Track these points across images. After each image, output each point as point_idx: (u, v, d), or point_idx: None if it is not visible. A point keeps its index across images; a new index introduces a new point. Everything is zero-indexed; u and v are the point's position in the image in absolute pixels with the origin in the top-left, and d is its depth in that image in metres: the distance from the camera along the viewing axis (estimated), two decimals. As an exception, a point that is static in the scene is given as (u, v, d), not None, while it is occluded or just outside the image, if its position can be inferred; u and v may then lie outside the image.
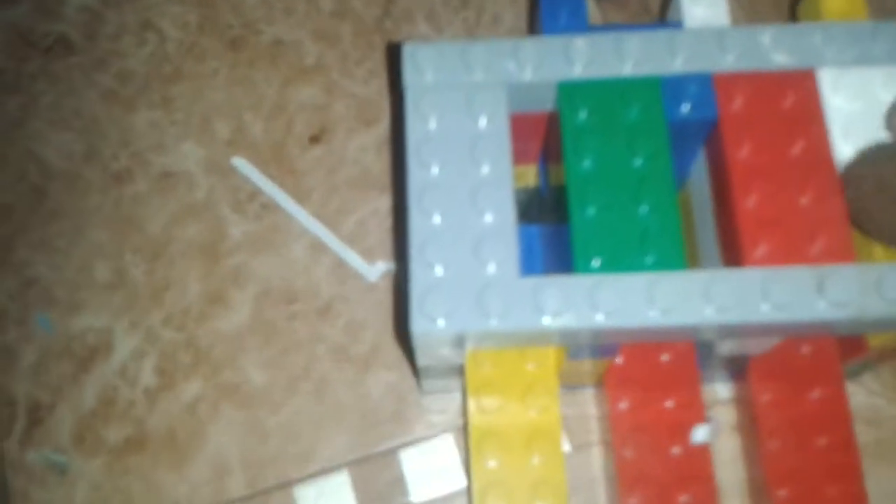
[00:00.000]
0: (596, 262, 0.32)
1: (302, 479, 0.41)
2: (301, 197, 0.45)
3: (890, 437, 0.41)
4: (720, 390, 0.42)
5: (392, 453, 0.41)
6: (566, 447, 0.41)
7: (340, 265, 0.44)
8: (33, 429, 0.42)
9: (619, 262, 0.32)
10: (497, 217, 0.33)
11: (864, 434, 0.41)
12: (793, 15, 0.46)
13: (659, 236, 0.33)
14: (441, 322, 0.31)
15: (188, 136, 0.47)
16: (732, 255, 0.33)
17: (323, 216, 0.45)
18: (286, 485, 0.40)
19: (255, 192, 0.45)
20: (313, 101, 0.47)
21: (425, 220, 0.33)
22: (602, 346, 0.35)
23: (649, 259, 0.32)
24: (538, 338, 0.33)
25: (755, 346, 0.35)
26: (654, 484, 0.36)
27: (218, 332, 0.43)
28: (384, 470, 0.41)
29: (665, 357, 0.37)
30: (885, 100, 0.34)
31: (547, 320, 0.31)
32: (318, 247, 0.44)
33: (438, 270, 0.32)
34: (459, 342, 0.33)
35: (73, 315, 0.44)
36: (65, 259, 0.45)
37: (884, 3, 0.49)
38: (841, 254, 0.32)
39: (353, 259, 0.44)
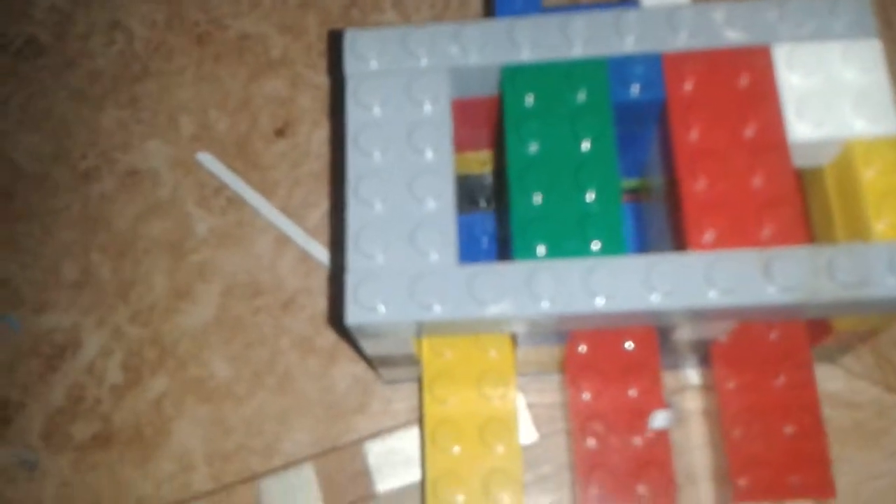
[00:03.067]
0: (536, 249, 0.32)
1: (266, 473, 0.40)
2: (266, 191, 0.45)
3: (870, 420, 0.40)
4: (691, 376, 0.41)
5: (357, 445, 0.41)
6: (534, 435, 0.41)
7: (305, 258, 0.44)
8: (2, 427, 0.42)
9: (558, 248, 0.31)
10: (436, 204, 0.32)
11: (843, 417, 0.40)
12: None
13: (600, 221, 0.32)
14: (375, 313, 0.31)
15: (154, 133, 0.47)
16: (680, 240, 0.32)
17: (288, 209, 0.45)
18: (250, 479, 0.40)
19: (221, 187, 0.45)
20: (278, 95, 0.47)
21: (362, 209, 0.32)
22: (552, 333, 0.34)
23: (591, 245, 0.31)
24: (479, 326, 0.32)
25: (710, 331, 0.34)
26: (611, 471, 0.35)
27: (183, 328, 0.43)
28: (349, 462, 0.40)
29: (626, 343, 0.36)
30: (845, 75, 0.33)
31: (483, 309, 0.31)
32: (283, 240, 0.44)
33: (374, 260, 0.31)
34: (399, 332, 0.32)
35: (41, 314, 0.44)
36: (33, 259, 0.45)
37: None
38: (791, 236, 0.31)
39: (318, 251, 0.44)
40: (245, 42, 0.48)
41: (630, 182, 0.40)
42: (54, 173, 0.46)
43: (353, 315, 0.31)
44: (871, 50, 0.33)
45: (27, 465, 0.41)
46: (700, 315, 0.31)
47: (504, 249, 0.34)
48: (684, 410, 0.40)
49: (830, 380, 0.40)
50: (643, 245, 0.41)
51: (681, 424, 0.40)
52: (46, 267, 0.45)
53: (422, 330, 0.33)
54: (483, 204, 0.42)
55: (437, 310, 0.31)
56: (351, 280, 0.31)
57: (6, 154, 0.47)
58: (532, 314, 0.31)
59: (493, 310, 0.31)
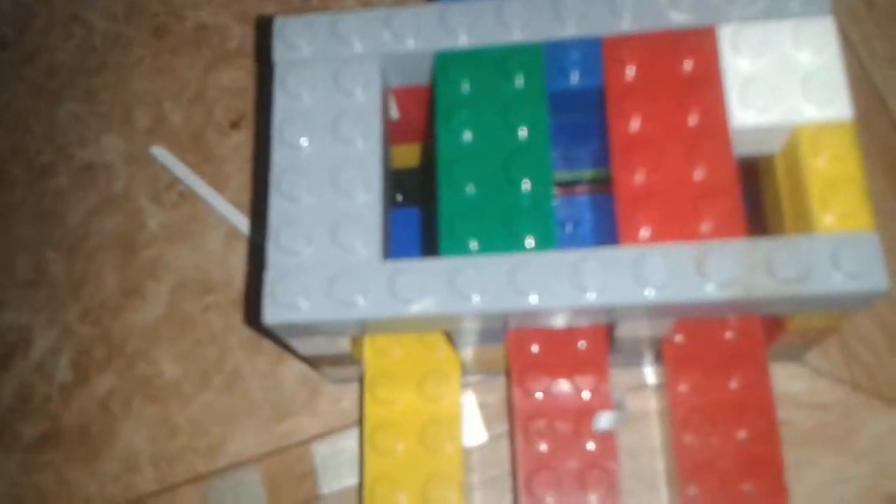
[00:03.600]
0: (464, 244, 0.30)
1: (211, 474, 0.39)
2: (219, 184, 0.44)
3: (836, 421, 0.38)
4: (648, 374, 0.39)
5: (303, 445, 0.40)
6: (483, 436, 0.39)
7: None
8: (-47, 426, 0.42)
9: (486, 243, 0.30)
10: (362, 197, 0.31)
11: (808, 418, 0.38)
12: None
13: (531, 215, 0.30)
14: (294, 311, 0.29)
15: (110, 127, 0.46)
16: (611, 236, 0.31)
17: (240, 204, 0.44)
18: (195, 479, 0.39)
19: (174, 182, 0.44)
20: (235, 86, 0.46)
21: (285, 203, 0.31)
22: (490, 332, 0.33)
23: (520, 239, 0.30)
24: (407, 324, 0.31)
25: (651, 329, 0.32)
26: (555, 474, 0.33)
27: (133, 326, 0.42)
28: (295, 462, 0.39)
29: (573, 341, 0.35)
30: (795, 56, 0.31)
31: (405, 307, 0.29)
32: (235, 235, 0.43)
33: (296, 256, 0.30)
34: (325, 331, 0.31)
35: (-5, 312, 0.43)
36: (-12, 255, 0.45)
37: None
38: (729, 230, 0.29)
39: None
40: (202, 33, 0.47)
41: (589, 173, 0.39)
42: (12, 169, 0.46)
43: (271, 314, 0.30)
44: (824, 28, 0.31)
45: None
46: (633, 312, 0.30)
47: (433, 244, 0.33)
48: (643, 410, 0.39)
49: (795, 379, 0.38)
50: (603, 238, 0.39)
51: (633, 425, 0.38)
52: (1, 264, 0.44)
53: (352, 329, 0.32)
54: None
55: (358, 308, 0.30)
56: (269, 277, 0.30)
57: (-37, 150, 0.47)
58: (456, 312, 0.29)
59: (416, 308, 0.29)
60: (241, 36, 0.47)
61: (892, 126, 0.43)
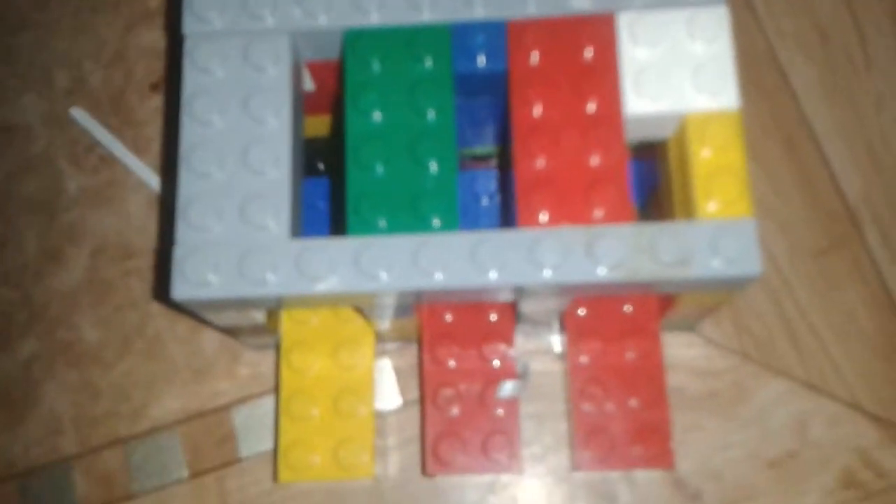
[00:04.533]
0: (370, 224, 0.31)
1: (133, 437, 0.41)
2: (140, 148, 0.44)
3: (726, 389, 0.40)
4: (555, 343, 0.41)
5: (224, 410, 0.41)
6: (398, 400, 0.41)
7: (177, 219, 0.43)
8: None
9: (392, 223, 0.31)
10: (271, 175, 0.32)
11: (699, 386, 0.41)
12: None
13: (435, 197, 0.31)
14: (203, 288, 0.30)
15: (29, 88, 0.46)
16: (513, 217, 0.32)
17: (161, 167, 0.44)
18: (117, 442, 0.41)
19: (94, 145, 0.45)
20: (155, 46, 0.46)
21: (195, 180, 0.32)
22: (397, 307, 0.34)
23: (425, 220, 0.31)
24: (315, 301, 0.32)
25: (549, 305, 0.34)
26: (460, 439, 0.35)
27: (53, 290, 0.43)
28: (215, 427, 0.41)
29: (486, 313, 0.37)
30: (689, 45, 0.32)
31: (312, 285, 0.30)
32: (156, 200, 0.44)
33: (205, 232, 0.31)
34: (237, 307, 0.32)
35: (-89, 273, 0.43)
36: None
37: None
38: (618, 215, 0.31)
39: (191, 213, 0.43)
40: (122, -10, 0.47)
41: (492, 149, 0.40)
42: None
43: (180, 290, 0.31)
44: (717, 18, 0.32)
45: None
46: (528, 291, 0.31)
47: (340, 222, 0.34)
48: (551, 376, 0.41)
49: (688, 347, 0.41)
50: (506, 214, 0.41)
51: (540, 390, 0.40)
52: (-83, 226, 0.44)
53: (265, 304, 0.33)
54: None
55: (267, 285, 0.31)
56: (178, 253, 0.31)
57: None
58: (361, 290, 0.31)
59: (323, 286, 0.30)
60: (163, -5, 0.47)
61: (793, 100, 0.44)
